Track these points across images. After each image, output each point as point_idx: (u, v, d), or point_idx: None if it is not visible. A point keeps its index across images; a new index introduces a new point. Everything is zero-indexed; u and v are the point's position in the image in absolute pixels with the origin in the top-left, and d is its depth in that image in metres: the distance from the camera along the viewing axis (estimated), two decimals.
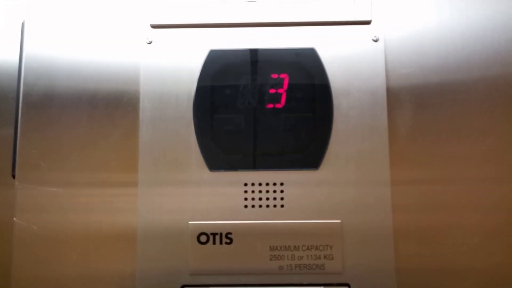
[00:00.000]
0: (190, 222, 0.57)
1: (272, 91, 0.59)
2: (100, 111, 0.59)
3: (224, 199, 0.58)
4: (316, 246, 0.56)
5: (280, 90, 0.59)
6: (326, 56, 0.60)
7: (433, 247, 0.56)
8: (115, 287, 0.57)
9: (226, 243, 0.57)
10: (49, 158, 0.58)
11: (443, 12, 0.60)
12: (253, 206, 0.57)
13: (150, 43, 0.60)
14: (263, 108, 0.59)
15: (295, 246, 0.57)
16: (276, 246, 0.57)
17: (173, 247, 0.57)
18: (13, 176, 0.59)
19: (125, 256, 0.57)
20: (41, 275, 0.57)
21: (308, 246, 0.56)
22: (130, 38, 0.61)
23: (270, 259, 0.56)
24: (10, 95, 0.62)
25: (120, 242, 0.57)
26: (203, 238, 0.57)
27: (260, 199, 0.58)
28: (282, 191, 0.58)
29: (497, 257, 0.56)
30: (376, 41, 0.60)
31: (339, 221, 0.57)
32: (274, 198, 0.58)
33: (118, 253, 0.57)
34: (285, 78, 0.60)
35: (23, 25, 0.62)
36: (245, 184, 0.58)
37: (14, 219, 0.57)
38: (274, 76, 0.60)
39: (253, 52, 0.60)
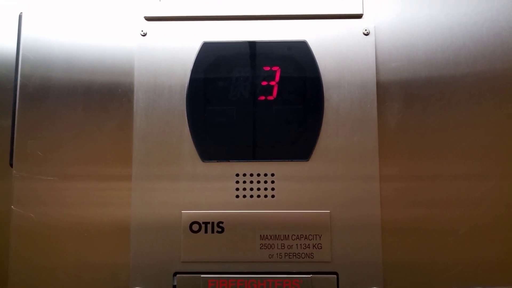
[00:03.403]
0: (182, 211, 0.58)
1: (264, 83, 0.60)
2: (95, 103, 0.60)
3: (216, 189, 0.59)
4: (305, 235, 0.58)
5: (272, 83, 0.60)
6: (318, 49, 0.60)
7: (420, 241, 0.57)
8: (109, 276, 0.58)
9: (218, 232, 0.58)
10: (46, 148, 0.60)
11: (434, 7, 0.61)
12: (244, 196, 0.59)
13: (144, 35, 0.61)
14: (255, 100, 0.60)
15: (285, 235, 0.58)
16: (266, 235, 0.58)
17: (166, 236, 0.58)
18: (11, 165, 0.60)
19: (119, 246, 0.58)
20: (38, 262, 0.58)
21: (297, 235, 0.58)
22: (124, 30, 0.62)
23: (260, 248, 0.58)
24: (8, 86, 0.64)
25: (115, 231, 0.58)
26: (195, 227, 0.58)
27: (252, 189, 0.59)
28: (273, 182, 0.59)
29: (483, 251, 0.57)
30: (367, 34, 0.60)
31: (328, 211, 0.58)
32: (265, 189, 0.59)
33: (113, 242, 0.59)
34: (277, 71, 0.60)
35: (20, 17, 0.63)
36: (237, 175, 0.59)
37: (12, 206, 0.59)
38: (266, 68, 0.61)
39: (246, 45, 0.61)
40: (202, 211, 0.58)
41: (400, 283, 0.57)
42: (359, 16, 0.61)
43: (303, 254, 0.58)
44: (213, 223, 0.58)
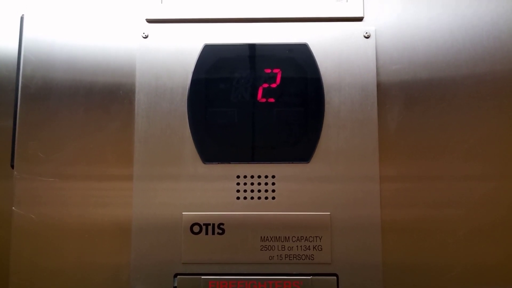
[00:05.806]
0: (183, 213, 0.58)
1: (265, 85, 0.60)
2: (97, 104, 0.60)
3: (217, 190, 0.59)
4: (306, 237, 0.58)
5: (273, 85, 0.60)
6: (319, 52, 0.61)
7: (420, 242, 0.58)
8: (110, 277, 0.58)
9: (218, 233, 0.58)
10: (47, 149, 0.60)
11: (434, 10, 0.61)
12: (245, 198, 0.59)
13: (146, 37, 0.61)
14: (256, 102, 0.60)
15: (285, 237, 0.58)
16: (267, 237, 0.58)
17: (167, 237, 0.58)
18: (12, 167, 0.60)
19: (120, 246, 0.58)
20: (39, 263, 0.58)
21: (298, 237, 0.58)
22: (126, 32, 0.62)
23: (261, 250, 0.58)
24: (9, 87, 0.64)
25: (116, 232, 0.59)
26: (196, 229, 0.58)
27: (252, 191, 0.59)
28: (273, 184, 0.59)
29: (483, 252, 0.57)
30: (367, 37, 0.61)
31: (328, 213, 0.58)
32: (266, 190, 0.59)
33: (114, 243, 0.59)
34: (278, 73, 0.61)
35: (22, 18, 0.63)
36: (238, 177, 0.59)
37: (13, 208, 0.59)
38: (267, 71, 0.61)
39: (247, 47, 0.61)
40: (203, 213, 0.58)
41: (400, 285, 0.57)
42: (360, 19, 0.61)
43: (303, 256, 0.58)
44: (214, 224, 0.58)
